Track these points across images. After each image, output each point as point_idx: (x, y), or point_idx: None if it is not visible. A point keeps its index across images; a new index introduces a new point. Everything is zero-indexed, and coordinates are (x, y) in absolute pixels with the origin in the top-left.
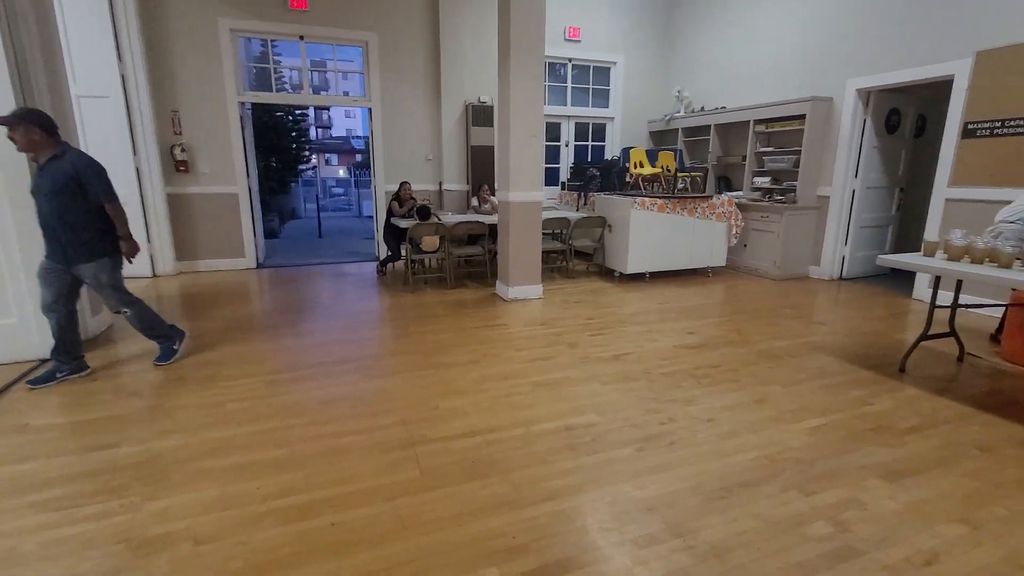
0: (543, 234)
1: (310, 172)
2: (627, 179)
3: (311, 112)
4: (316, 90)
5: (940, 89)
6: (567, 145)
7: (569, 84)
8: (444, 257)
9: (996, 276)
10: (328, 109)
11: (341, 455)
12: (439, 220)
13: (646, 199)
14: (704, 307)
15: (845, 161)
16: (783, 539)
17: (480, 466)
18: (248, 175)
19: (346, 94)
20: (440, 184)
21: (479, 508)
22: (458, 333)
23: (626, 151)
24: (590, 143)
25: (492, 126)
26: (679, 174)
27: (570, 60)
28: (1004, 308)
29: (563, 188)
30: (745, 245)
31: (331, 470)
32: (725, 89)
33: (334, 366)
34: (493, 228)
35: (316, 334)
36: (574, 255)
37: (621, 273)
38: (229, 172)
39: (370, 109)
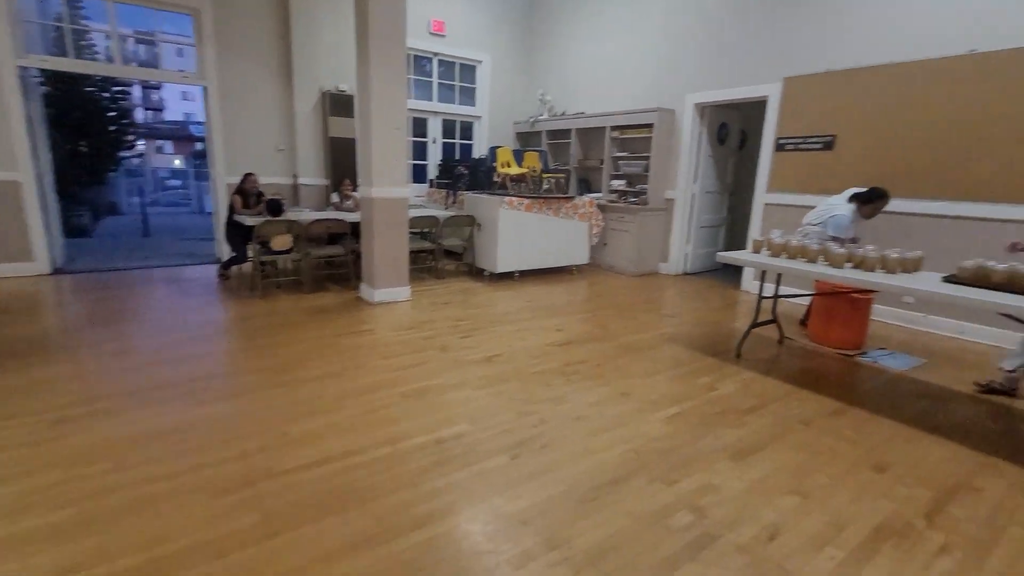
0: (411, 233)
1: (136, 160)
2: (495, 178)
3: (137, 90)
4: (144, 65)
5: (758, 108)
6: (434, 142)
7: (436, 80)
8: (300, 258)
9: (806, 270)
10: (159, 88)
11: (154, 507)
12: (292, 217)
13: (514, 198)
14: (571, 304)
15: (686, 167)
16: (651, 535)
17: (336, 499)
18: (37, 159)
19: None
20: (295, 178)
21: (334, 551)
22: (316, 343)
23: (493, 150)
24: (458, 141)
25: (353, 117)
26: (544, 175)
27: (436, 55)
28: (811, 297)
29: (431, 186)
30: (605, 244)
31: (138, 529)
32: (584, 95)
33: (153, 392)
34: (357, 226)
35: (131, 354)
36: (444, 255)
37: (491, 272)
38: (5, 154)
39: (205, 88)
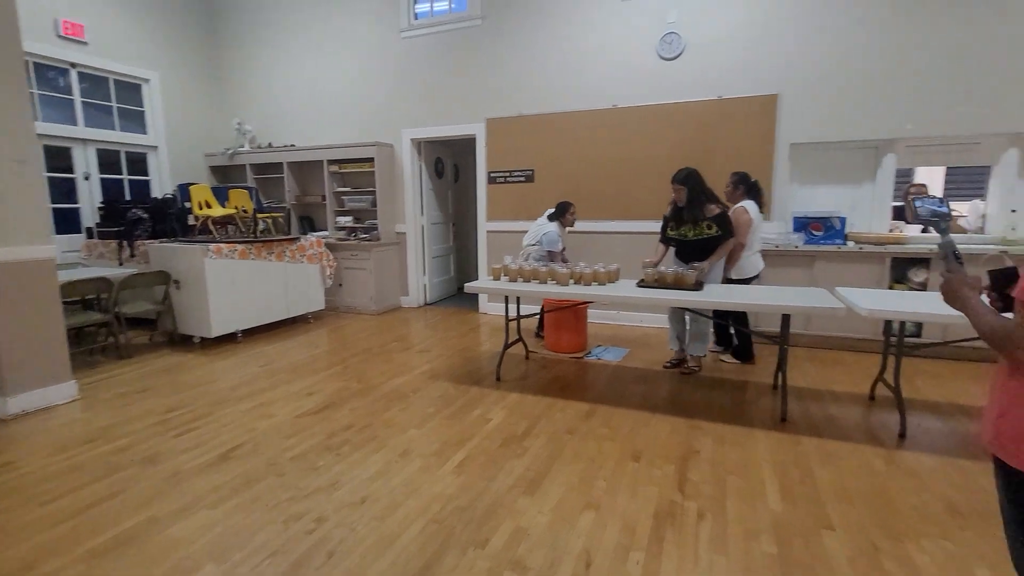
0: (65, 304)
1: None
2: (191, 223)
3: None
4: None
5: (469, 144)
6: (87, 178)
7: (77, 97)
8: None
9: (543, 291)
10: None
11: None
12: None
13: (222, 245)
14: (315, 359)
15: (412, 201)
16: None
17: None
18: None
19: None
20: None
21: None
22: None
23: (184, 188)
24: (127, 176)
25: None
26: (259, 215)
27: (74, 66)
28: (540, 310)
29: (91, 236)
30: (341, 284)
31: None
32: (293, 127)
33: None
34: None
35: None
36: (126, 326)
37: (204, 338)
38: None
39: None
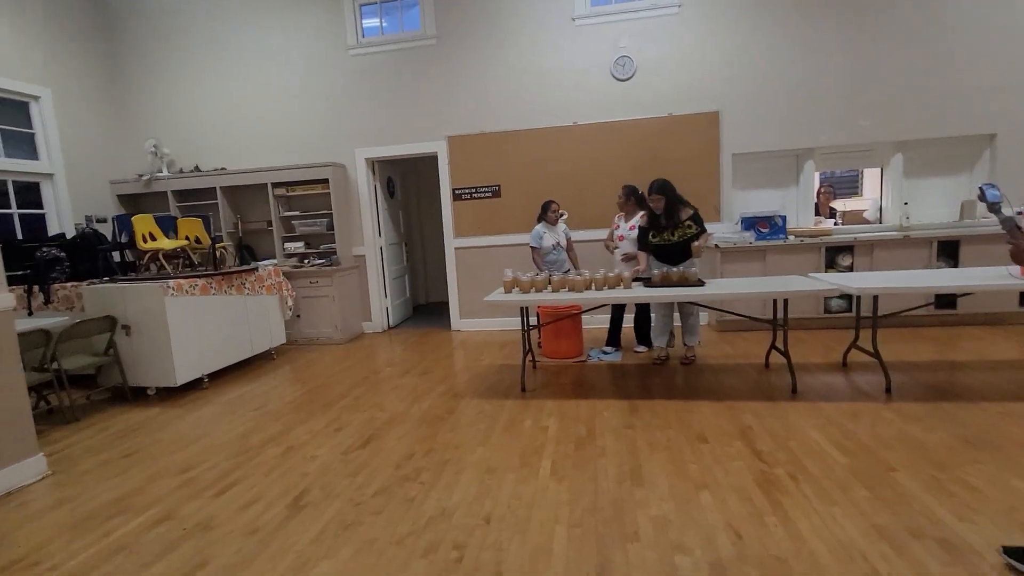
0: None
1: None
2: (138, 260)
3: None
4: None
5: (429, 162)
6: None
7: None
8: None
9: (565, 298)
10: None
11: None
12: None
13: (182, 281)
14: (312, 394)
15: (369, 222)
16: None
17: None
18: None
19: None
20: None
21: None
22: None
23: (123, 220)
24: (16, 211)
25: None
26: (218, 246)
27: None
28: (537, 320)
29: None
30: (299, 315)
31: None
32: (221, 149)
33: None
34: None
35: None
36: (68, 384)
37: (161, 388)
38: None
39: None
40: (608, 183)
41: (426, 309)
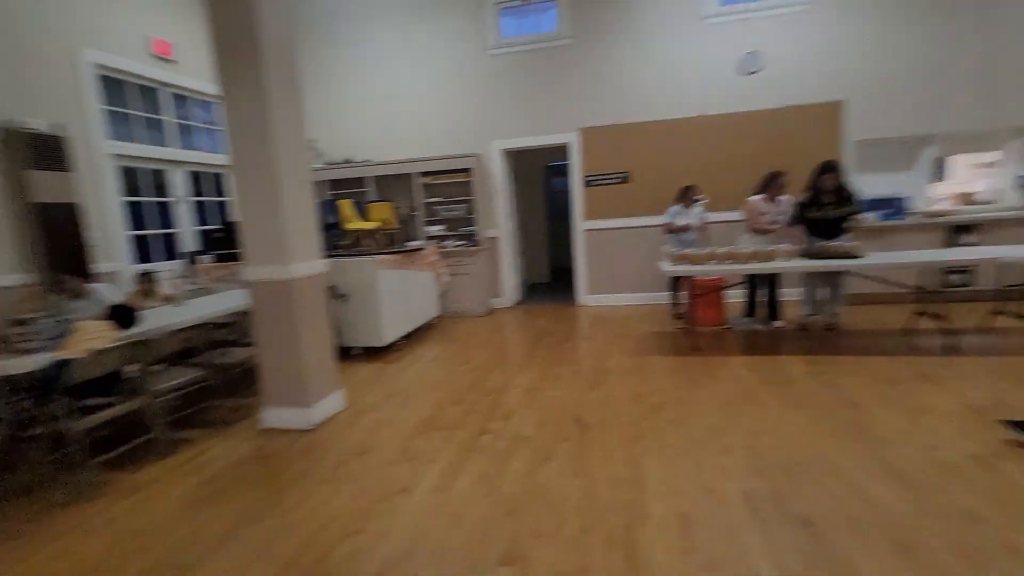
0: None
1: None
2: (344, 238)
3: None
4: None
5: (561, 152)
6: (181, 201)
7: (174, 119)
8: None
9: (730, 269)
10: None
11: None
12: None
13: (386, 257)
14: (500, 354)
15: (503, 206)
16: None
17: None
18: None
19: None
20: None
21: None
22: None
23: (330, 204)
24: (205, 199)
25: (64, 169)
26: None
27: (166, 86)
28: (674, 293)
29: (192, 262)
30: (445, 291)
31: None
32: (366, 143)
33: None
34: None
35: None
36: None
37: (362, 349)
38: None
39: None
40: (731, 170)
41: (531, 288)
